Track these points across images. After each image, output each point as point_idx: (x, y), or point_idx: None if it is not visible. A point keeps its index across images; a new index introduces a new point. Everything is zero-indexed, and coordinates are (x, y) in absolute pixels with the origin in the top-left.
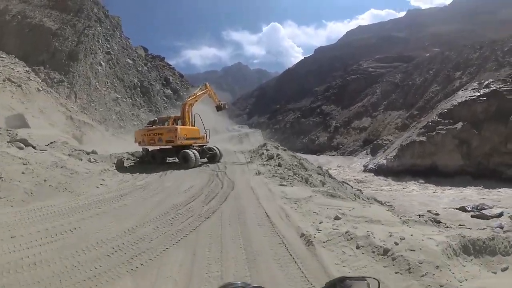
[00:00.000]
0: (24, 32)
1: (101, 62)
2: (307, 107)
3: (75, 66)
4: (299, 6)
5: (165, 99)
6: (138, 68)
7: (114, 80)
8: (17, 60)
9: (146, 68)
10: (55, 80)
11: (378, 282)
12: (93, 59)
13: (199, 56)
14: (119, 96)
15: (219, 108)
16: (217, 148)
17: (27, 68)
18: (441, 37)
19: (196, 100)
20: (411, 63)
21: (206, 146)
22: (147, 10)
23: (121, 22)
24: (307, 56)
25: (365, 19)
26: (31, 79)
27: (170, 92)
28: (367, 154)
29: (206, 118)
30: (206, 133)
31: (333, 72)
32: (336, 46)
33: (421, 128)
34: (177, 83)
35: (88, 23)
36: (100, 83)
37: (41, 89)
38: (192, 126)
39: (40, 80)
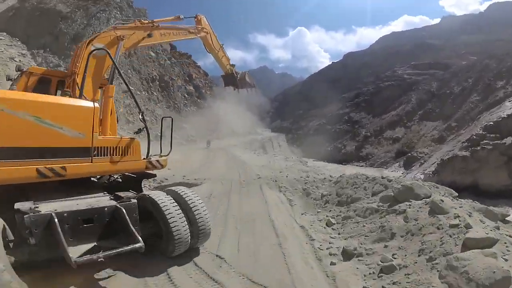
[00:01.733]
0: (34, 15)
1: None
2: (334, 114)
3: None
4: (327, 11)
5: (186, 95)
6: (161, 62)
7: (129, 70)
8: (18, 42)
9: (170, 63)
10: (51, 64)
11: None
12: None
13: None
14: (132, 88)
15: (229, 79)
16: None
17: (24, 51)
18: (477, 45)
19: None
20: (447, 70)
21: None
22: (179, 9)
23: (147, 15)
24: (335, 61)
25: (398, 25)
26: (16, 61)
27: (192, 89)
28: (400, 167)
29: (226, 116)
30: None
31: (364, 78)
32: (368, 52)
33: (464, 142)
34: (201, 81)
35: (103, 8)
36: (108, 72)
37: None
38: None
39: (33, 64)
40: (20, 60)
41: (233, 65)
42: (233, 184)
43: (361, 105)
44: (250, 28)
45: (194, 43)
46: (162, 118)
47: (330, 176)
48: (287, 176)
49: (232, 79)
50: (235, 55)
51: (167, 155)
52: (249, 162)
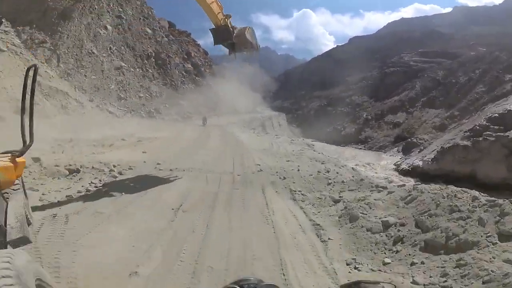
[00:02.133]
0: None
1: (107, 25)
2: (336, 96)
3: (65, 26)
4: None
5: (183, 73)
6: (158, 39)
7: (122, 47)
8: (2, 20)
9: (167, 40)
10: (36, 40)
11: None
12: (92, 19)
13: None
14: (125, 65)
15: (222, 34)
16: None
17: (8, 29)
18: (488, 37)
19: None
20: (455, 60)
21: None
22: None
23: None
24: (340, 44)
25: (408, 12)
26: None
27: (191, 67)
28: (398, 151)
29: (226, 94)
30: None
31: (370, 63)
32: (375, 37)
33: (466, 132)
34: (200, 59)
35: None
36: (99, 48)
37: (5, 49)
38: None
39: (17, 41)
40: (1, 38)
41: (228, 16)
42: (222, 181)
43: (364, 89)
44: (254, 7)
45: (194, 22)
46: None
47: (362, 175)
48: (298, 170)
49: (225, 33)
50: None
51: (24, 151)
52: (248, 145)
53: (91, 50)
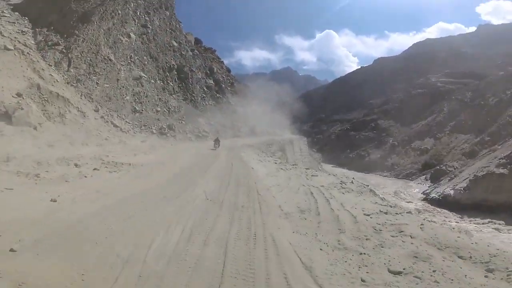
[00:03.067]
0: None
1: (131, 33)
2: (359, 120)
3: (82, 29)
4: (358, 14)
5: (204, 89)
6: (182, 52)
7: (145, 57)
8: (25, 21)
9: (191, 54)
10: (49, 42)
11: None
12: (114, 25)
13: (250, 57)
14: (145, 76)
15: None
16: None
17: (25, 29)
18: None
19: None
20: (483, 80)
21: None
22: (208, 9)
23: (174, 4)
24: (364, 66)
25: (432, 32)
26: (4, 36)
27: (212, 83)
28: (426, 180)
29: (247, 112)
30: None
31: (395, 85)
32: (400, 58)
33: (501, 158)
34: (223, 76)
35: None
36: (118, 56)
37: (11, 48)
38: None
39: (31, 42)
40: (15, 38)
41: None
42: None
43: (390, 112)
44: (277, 28)
45: (220, 40)
46: None
47: None
48: None
49: None
50: (260, 55)
51: None
52: (266, 191)
53: (108, 56)
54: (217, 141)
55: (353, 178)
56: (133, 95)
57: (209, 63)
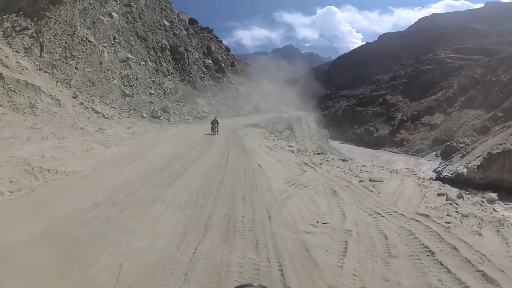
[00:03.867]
0: None
1: (112, 13)
2: (366, 95)
3: (53, 10)
4: None
5: (203, 69)
6: (176, 32)
7: (132, 37)
8: None
9: (186, 33)
10: (17, 28)
11: None
12: (90, 4)
13: (250, 37)
14: (133, 57)
15: None
16: None
17: None
18: None
19: None
20: (494, 57)
21: None
22: None
23: None
24: (369, 42)
25: (438, 8)
26: None
27: (211, 62)
28: (437, 156)
29: (250, 90)
30: None
31: (402, 60)
32: (406, 34)
33: None
34: (222, 56)
35: None
36: (99, 37)
37: None
38: None
39: None
40: None
41: None
42: None
43: (398, 88)
44: (276, 6)
45: (217, 21)
46: None
47: None
48: None
49: None
50: (260, 34)
51: None
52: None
53: (87, 37)
54: (215, 123)
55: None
56: (121, 78)
57: (207, 43)
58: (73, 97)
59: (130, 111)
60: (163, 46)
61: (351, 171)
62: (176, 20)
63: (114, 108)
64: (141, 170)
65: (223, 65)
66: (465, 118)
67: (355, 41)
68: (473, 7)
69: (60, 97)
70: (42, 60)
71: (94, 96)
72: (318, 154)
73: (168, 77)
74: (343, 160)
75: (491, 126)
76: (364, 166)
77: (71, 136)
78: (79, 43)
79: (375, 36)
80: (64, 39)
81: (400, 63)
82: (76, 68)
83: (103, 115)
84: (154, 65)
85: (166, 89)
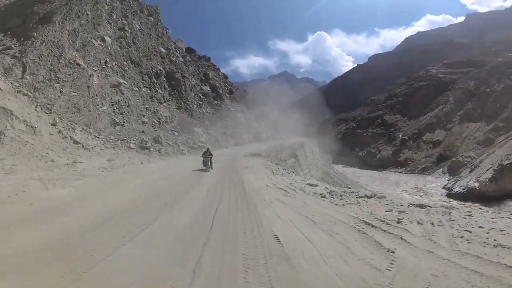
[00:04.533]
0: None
1: (105, 37)
2: (364, 117)
3: (41, 30)
4: (346, 15)
5: (200, 96)
6: (172, 58)
7: (125, 62)
8: None
9: (182, 60)
10: (0, 47)
11: None
12: (81, 26)
13: (246, 65)
14: (125, 83)
15: None
16: None
17: None
18: (508, 42)
19: None
20: (483, 68)
21: None
22: (201, 21)
23: (159, 11)
24: (360, 63)
25: (421, 25)
26: None
27: (209, 89)
28: (444, 173)
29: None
30: None
31: (394, 79)
32: (395, 53)
33: None
34: (220, 83)
35: None
36: (89, 60)
37: None
38: None
39: None
40: None
41: None
42: None
43: (395, 107)
44: (270, 34)
45: (213, 51)
46: None
47: None
48: None
49: None
50: (256, 62)
51: None
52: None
53: (75, 60)
54: (207, 155)
55: None
56: (112, 104)
57: (204, 70)
58: (52, 124)
59: (117, 141)
60: (158, 72)
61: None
62: (173, 47)
63: (98, 138)
64: (56, 235)
65: (221, 91)
66: (467, 132)
67: (347, 64)
68: (454, 21)
69: (36, 123)
70: (23, 82)
71: (77, 123)
72: (367, 197)
73: (164, 104)
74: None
75: (494, 137)
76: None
77: (37, 171)
78: (66, 65)
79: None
80: (50, 61)
81: (393, 82)
82: (60, 91)
83: (83, 146)
84: (148, 91)
85: (161, 117)
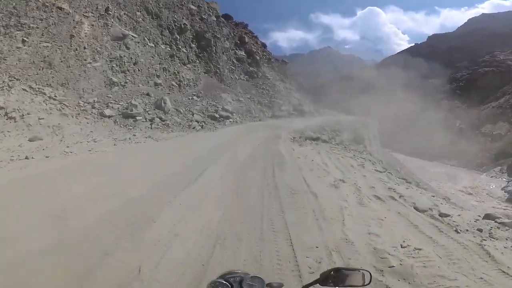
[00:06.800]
0: None
1: None
2: (421, 101)
3: None
4: None
5: (234, 61)
6: (203, 16)
7: (138, 12)
8: None
9: (215, 20)
10: None
11: (370, 275)
12: None
13: (286, 38)
14: (134, 35)
15: None
16: None
17: None
18: None
19: None
20: None
21: None
22: None
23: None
24: (418, 43)
25: (485, 8)
26: None
27: (244, 54)
28: (502, 172)
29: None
30: None
31: (455, 62)
32: (456, 35)
33: None
34: (258, 51)
35: None
36: (77, 6)
37: None
38: None
39: None
40: None
41: None
42: None
43: (455, 92)
44: (312, 7)
45: (251, 21)
46: None
47: None
48: None
49: None
50: (296, 35)
51: None
52: None
53: (55, 3)
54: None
55: None
56: (110, 60)
57: (240, 33)
58: (16, 79)
59: (95, 105)
60: (183, 27)
61: None
62: (205, 6)
63: (88, 103)
64: None
65: (258, 58)
66: None
67: (402, 43)
68: None
69: None
70: None
71: (46, 83)
72: None
73: (188, 65)
74: None
75: None
76: None
77: None
78: (37, 8)
79: (423, 38)
80: (13, 2)
81: (453, 66)
82: (24, 41)
83: (61, 111)
84: (168, 48)
85: (182, 79)
